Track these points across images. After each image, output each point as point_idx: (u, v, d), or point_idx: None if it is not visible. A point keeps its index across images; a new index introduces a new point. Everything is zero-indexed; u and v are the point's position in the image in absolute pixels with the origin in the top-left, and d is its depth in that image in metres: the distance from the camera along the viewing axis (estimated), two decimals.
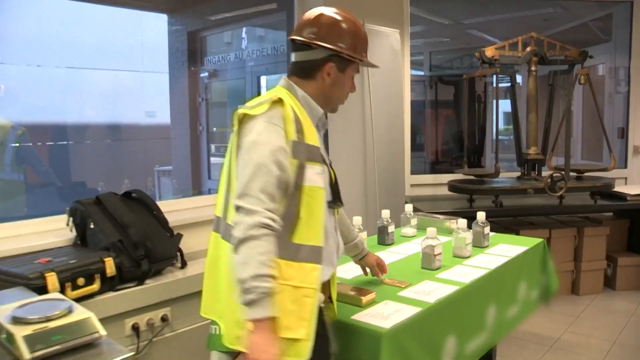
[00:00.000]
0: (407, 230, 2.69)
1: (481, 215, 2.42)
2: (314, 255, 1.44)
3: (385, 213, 2.54)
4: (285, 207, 1.40)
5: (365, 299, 1.74)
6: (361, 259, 1.96)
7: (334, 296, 1.67)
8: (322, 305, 1.65)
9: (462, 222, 2.29)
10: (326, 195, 1.51)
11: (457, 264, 2.19)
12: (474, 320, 1.97)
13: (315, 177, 1.45)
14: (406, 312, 1.67)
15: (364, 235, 2.27)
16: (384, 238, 2.54)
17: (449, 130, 6.52)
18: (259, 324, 1.30)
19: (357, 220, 2.34)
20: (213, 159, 5.69)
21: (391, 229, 2.54)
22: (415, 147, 5.48)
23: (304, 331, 1.39)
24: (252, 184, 1.33)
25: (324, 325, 1.51)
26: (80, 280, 1.97)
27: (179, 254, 2.40)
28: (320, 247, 1.45)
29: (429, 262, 2.13)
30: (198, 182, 5.88)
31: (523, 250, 2.37)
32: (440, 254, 2.13)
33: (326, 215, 1.50)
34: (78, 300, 1.91)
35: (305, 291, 1.41)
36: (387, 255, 2.33)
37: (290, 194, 1.42)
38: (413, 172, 4.31)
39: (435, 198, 4.06)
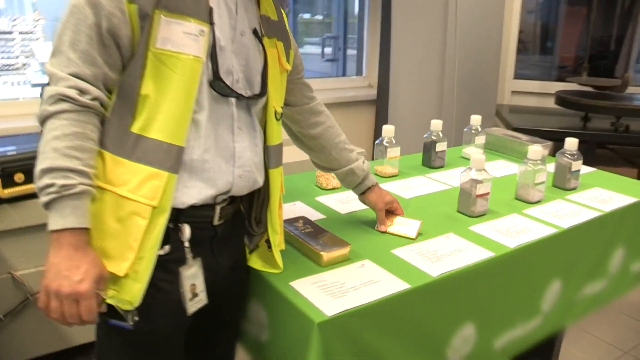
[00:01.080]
0: (470, 151, 1.94)
1: (571, 143, 1.60)
2: (162, 156, 0.89)
3: (437, 124, 1.81)
4: (124, 76, 0.91)
5: (326, 256, 1.13)
6: (362, 194, 1.33)
7: (275, 240, 1.11)
8: (251, 250, 1.15)
9: (536, 148, 1.50)
10: (207, 71, 0.94)
11: (514, 211, 1.46)
12: (514, 302, 1.28)
13: (183, 38, 0.89)
14: (384, 288, 1.05)
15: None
16: (429, 157, 1.83)
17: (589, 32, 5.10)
18: (57, 238, 0.85)
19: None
20: None
21: (442, 146, 1.82)
22: (544, 49, 4.34)
23: (126, 265, 0.89)
24: (62, 37, 0.88)
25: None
26: (19, 176, 1.59)
27: None
28: (177, 148, 0.90)
29: (466, 205, 1.42)
30: None
31: (630, 202, 1.54)
32: (487, 194, 1.41)
33: (208, 104, 0.94)
34: (14, 200, 1.55)
35: (135, 207, 0.88)
36: (425, 183, 1.66)
37: (134, 58, 0.89)
38: (523, 77, 3.32)
39: (541, 111, 3.10)
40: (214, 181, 0.96)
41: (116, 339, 0.98)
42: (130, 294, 0.89)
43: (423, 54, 2.71)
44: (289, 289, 1.05)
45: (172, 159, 0.90)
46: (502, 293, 1.24)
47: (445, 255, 1.19)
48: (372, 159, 1.80)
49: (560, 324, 1.47)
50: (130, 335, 0.95)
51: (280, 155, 1.13)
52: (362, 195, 1.34)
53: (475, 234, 1.31)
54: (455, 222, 1.38)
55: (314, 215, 1.40)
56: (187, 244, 0.97)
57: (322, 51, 4.99)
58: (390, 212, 1.34)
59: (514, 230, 1.33)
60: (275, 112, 1.08)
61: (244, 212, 1.12)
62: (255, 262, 1.14)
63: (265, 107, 1.07)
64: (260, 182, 1.07)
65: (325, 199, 1.52)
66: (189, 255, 0.97)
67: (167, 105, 0.89)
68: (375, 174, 1.76)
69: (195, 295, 0.99)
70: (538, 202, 1.52)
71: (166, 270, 0.95)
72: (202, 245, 1.01)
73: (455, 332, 1.16)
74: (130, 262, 0.88)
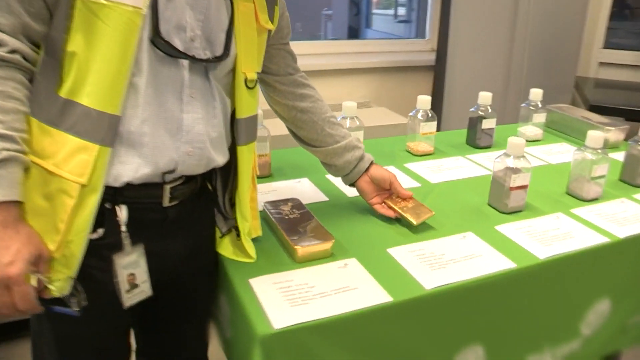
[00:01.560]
0: (527, 130, 1.64)
1: None
2: (91, 126, 0.74)
3: (486, 96, 1.53)
4: (50, 29, 0.76)
5: (301, 251, 0.95)
6: (354, 184, 1.15)
7: (244, 228, 0.94)
8: (222, 234, 0.99)
9: (596, 134, 1.19)
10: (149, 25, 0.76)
11: (560, 210, 1.18)
12: (539, 323, 1.03)
13: None
14: (359, 299, 0.86)
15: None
16: (474, 135, 1.56)
17: None
18: None
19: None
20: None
21: (490, 122, 1.54)
22: None
23: (51, 248, 0.76)
24: None
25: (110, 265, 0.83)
26: None
27: None
28: (110, 117, 0.75)
29: (497, 198, 1.17)
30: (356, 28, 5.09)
31: None
32: (524, 187, 1.14)
33: (148, 65, 0.77)
34: None
35: (62, 183, 0.75)
36: (462, 166, 1.41)
37: (60, 7, 0.74)
38: (617, 47, 2.83)
39: (632, 87, 2.63)
40: (153, 158, 0.80)
41: (47, 327, 0.87)
42: (58, 282, 0.77)
43: (489, 14, 2.35)
44: (245, 288, 0.88)
45: (103, 129, 0.75)
46: (522, 311, 0.99)
47: (452, 261, 0.96)
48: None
49: (609, 349, 1.19)
50: (63, 327, 0.84)
51: (254, 129, 0.95)
52: (355, 185, 1.14)
53: (500, 236, 1.06)
54: (481, 217, 1.13)
55: (315, 197, 1.21)
56: (124, 228, 0.82)
57: (395, 12, 4.64)
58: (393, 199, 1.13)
59: (552, 236, 1.06)
60: (246, 80, 0.89)
61: (219, 190, 0.96)
62: (225, 248, 0.98)
63: (233, 73, 0.88)
64: (219, 160, 0.89)
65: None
66: (126, 241, 0.82)
67: (98, 66, 0.73)
68: (407, 151, 1.52)
69: (134, 286, 0.85)
70: (594, 200, 1.22)
71: (100, 257, 0.81)
72: (149, 229, 0.86)
73: (454, 358, 0.94)
74: (56, 245, 0.76)
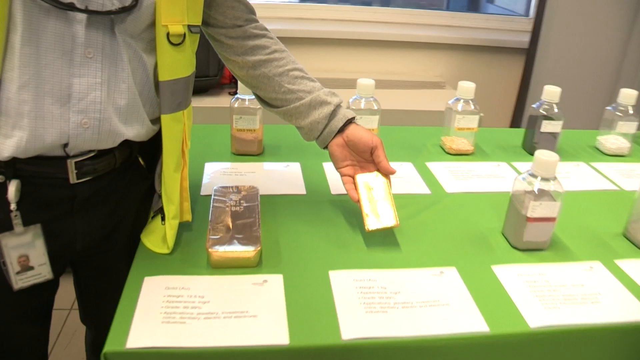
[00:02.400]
0: (607, 140, 1.27)
1: None
2: None
3: (552, 92, 1.19)
4: None
5: (215, 255, 0.77)
6: (341, 133, 0.89)
7: (169, 212, 0.80)
8: (152, 216, 0.85)
9: None
10: None
11: (600, 258, 0.86)
12: None
13: None
14: (248, 334, 0.67)
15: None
16: (530, 138, 1.24)
17: None
18: None
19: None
20: None
21: (553, 125, 1.21)
22: None
23: None
24: None
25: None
26: None
27: None
28: None
29: (511, 227, 0.88)
30: None
31: None
32: (549, 220, 0.84)
33: (23, 18, 0.61)
34: None
35: None
36: (497, 175, 1.13)
37: None
38: None
39: None
40: (37, 130, 0.66)
41: None
42: None
43: None
44: (133, 286, 0.73)
45: None
46: None
47: (406, 306, 0.72)
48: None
49: None
50: None
51: (184, 94, 0.78)
52: (341, 133, 0.89)
53: (493, 283, 0.78)
54: (483, 250, 0.86)
55: (293, 188, 1.02)
56: (13, 206, 0.70)
57: None
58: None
59: (566, 295, 0.76)
60: (169, 35, 0.71)
61: (159, 165, 0.81)
62: (145, 234, 0.83)
63: (152, 28, 0.70)
64: (131, 133, 0.74)
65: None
66: (16, 220, 0.71)
67: None
68: (440, 147, 1.25)
69: (29, 268, 0.74)
70: None
71: None
72: (53, 207, 0.74)
73: None
74: None
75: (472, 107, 1.18)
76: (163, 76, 0.73)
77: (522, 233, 0.85)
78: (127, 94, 0.71)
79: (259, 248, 0.77)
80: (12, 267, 0.73)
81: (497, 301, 0.74)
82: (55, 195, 0.73)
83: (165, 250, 0.80)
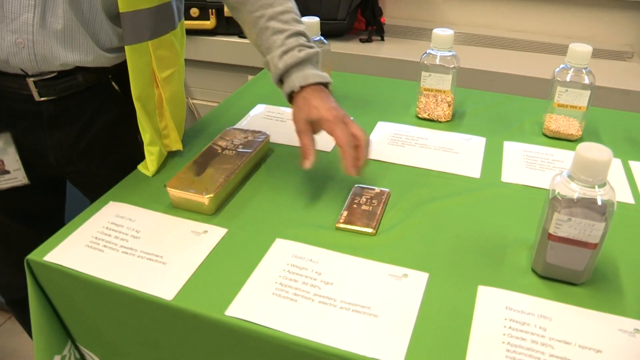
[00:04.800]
0: None
1: None
2: None
3: None
4: None
5: (172, 193, 0.72)
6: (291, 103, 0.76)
7: (145, 139, 0.79)
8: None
9: None
10: None
11: None
12: None
13: None
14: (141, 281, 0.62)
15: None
16: None
17: None
18: None
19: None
20: None
21: None
22: None
23: None
24: None
25: None
26: (194, 11, 1.61)
27: None
28: None
29: (539, 247, 0.63)
30: None
31: None
32: (586, 246, 0.57)
33: None
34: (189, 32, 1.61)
35: None
36: None
37: None
38: None
39: None
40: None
41: None
42: None
43: None
44: (96, 206, 0.74)
45: None
46: None
47: (324, 301, 0.58)
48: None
49: None
50: None
51: (151, 25, 0.73)
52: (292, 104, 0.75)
53: (463, 305, 0.58)
54: (485, 263, 0.64)
55: (320, 144, 0.90)
56: None
57: None
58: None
59: None
60: None
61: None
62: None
63: None
64: (69, 58, 0.72)
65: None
66: None
67: None
68: (543, 133, 0.96)
69: (5, 172, 0.81)
70: None
71: None
72: (23, 119, 0.78)
73: None
74: None
75: (586, 79, 0.87)
76: (122, 7, 0.70)
77: (544, 252, 0.60)
78: (63, 19, 0.69)
79: (210, 196, 0.70)
80: None
81: (446, 332, 0.54)
82: (23, 109, 0.77)
83: (148, 173, 0.80)
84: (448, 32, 0.91)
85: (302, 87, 0.71)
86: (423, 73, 0.94)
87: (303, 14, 0.82)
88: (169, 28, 0.76)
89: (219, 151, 0.80)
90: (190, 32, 1.63)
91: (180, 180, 0.72)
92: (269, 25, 0.73)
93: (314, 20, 0.97)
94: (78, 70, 0.75)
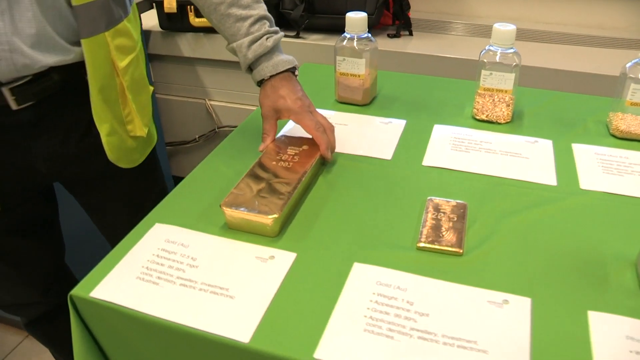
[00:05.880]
0: None
1: None
2: None
3: None
4: None
5: (228, 213, 0.64)
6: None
7: (103, 130, 0.76)
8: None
9: None
10: None
11: None
12: None
13: None
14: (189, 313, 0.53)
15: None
16: None
17: None
18: None
19: None
20: None
21: None
22: None
23: None
24: None
25: None
26: None
27: None
28: None
29: None
30: None
31: None
32: None
33: None
34: (206, 30, 1.53)
35: None
36: None
37: None
38: None
39: None
40: None
41: None
42: None
43: None
44: (140, 230, 0.65)
45: None
46: None
47: (423, 337, 0.50)
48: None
49: None
50: None
51: (105, 14, 0.69)
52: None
53: (577, 334, 0.50)
54: (588, 284, 0.56)
55: (378, 152, 0.82)
56: None
57: None
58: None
59: None
60: None
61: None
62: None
63: None
64: (48, 61, 0.66)
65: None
66: None
67: None
68: (606, 126, 0.89)
69: None
70: None
71: None
72: (5, 132, 0.71)
73: None
74: None
75: None
76: (75, 0, 0.65)
77: None
78: (34, 22, 0.63)
79: (275, 217, 0.61)
80: None
81: None
82: (2, 123, 0.69)
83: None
84: (510, 27, 0.83)
85: (272, 76, 0.74)
86: (483, 72, 0.86)
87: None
88: (123, 15, 0.73)
89: (275, 163, 0.72)
90: (208, 30, 1.54)
91: (236, 198, 0.64)
92: (230, 12, 0.73)
93: (361, 15, 0.89)
94: (52, 70, 0.69)
